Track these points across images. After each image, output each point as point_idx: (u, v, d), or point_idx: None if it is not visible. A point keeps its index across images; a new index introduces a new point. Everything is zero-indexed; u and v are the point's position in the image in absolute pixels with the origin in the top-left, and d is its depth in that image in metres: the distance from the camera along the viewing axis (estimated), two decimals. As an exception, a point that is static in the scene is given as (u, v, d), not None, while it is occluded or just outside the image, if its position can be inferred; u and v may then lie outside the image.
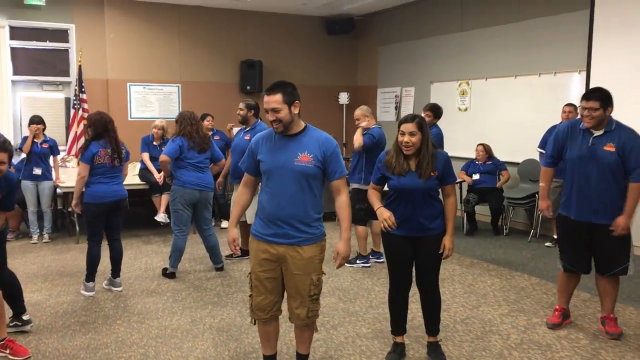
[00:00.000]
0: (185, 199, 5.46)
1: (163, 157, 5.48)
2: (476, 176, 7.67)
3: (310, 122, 10.66)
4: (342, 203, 3.13)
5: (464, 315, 4.61)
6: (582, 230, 4.05)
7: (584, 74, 7.05)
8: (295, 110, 3.05)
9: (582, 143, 4.01)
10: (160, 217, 7.14)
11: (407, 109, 10.03)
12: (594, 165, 3.94)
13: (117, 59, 9.37)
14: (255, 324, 3.32)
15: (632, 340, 4.12)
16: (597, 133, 3.98)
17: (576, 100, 6.80)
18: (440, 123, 6.77)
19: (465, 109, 8.84)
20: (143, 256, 6.46)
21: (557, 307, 4.40)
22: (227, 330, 4.29)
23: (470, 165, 7.88)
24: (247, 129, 6.03)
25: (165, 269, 5.68)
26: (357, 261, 6.07)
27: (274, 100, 2.99)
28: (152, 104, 9.59)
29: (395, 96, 10.32)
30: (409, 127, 3.41)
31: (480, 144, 7.86)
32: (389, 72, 10.54)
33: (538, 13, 7.69)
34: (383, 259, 5.93)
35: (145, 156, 7.38)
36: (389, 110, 10.44)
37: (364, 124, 5.93)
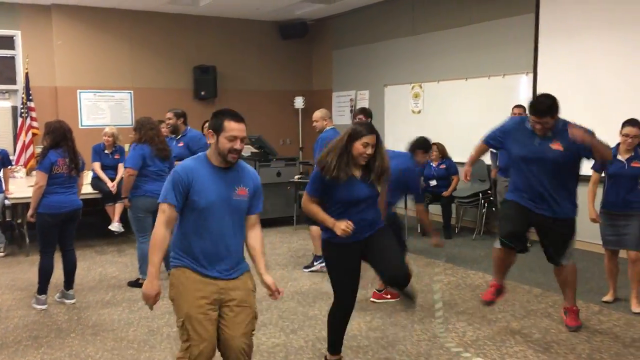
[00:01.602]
0: (147, 207, 5.37)
1: (129, 171, 5.33)
2: (433, 182, 7.82)
3: (267, 126, 10.79)
4: (259, 236, 3.02)
5: (421, 315, 4.67)
6: (529, 214, 4.12)
7: (531, 75, 7.27)
8: None
9: (530, 142, 4.10)
10: (115, 226, 7.00)
11: (362, 112, 10.11)
12: (542, 163, 4.03)
13: (66, 65, 9.15)
14: None
15: (582, 333, 4.26)
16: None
17: (524, 101, 7.00)
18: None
19: (419, 111, 8.99)
20: (97, 267, 6.32)
21: (493, 283, 4.37)
22: (185, 339, 4.24)
23: (425, 168, 8.00)
24: (179, 137, 6.07)
25: (137, 280, 5.55)
26: (315, 263, 6.09)
27: (243, 129, 2.81)
28: (103, 111, 9.39)
29: (350, 100, 10.41)
30: (371, 139, 3.27)
31: (434, 144, 7.99)
32: (343, 76, 10.63)
33: (486, 17, 7.88)
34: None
35: (97, 166, 7.23)
36: (344, 113, 10.52)
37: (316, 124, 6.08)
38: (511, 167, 4.33)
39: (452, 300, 5.05)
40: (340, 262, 3.41)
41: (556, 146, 4.02)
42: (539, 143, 4.07)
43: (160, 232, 2.77)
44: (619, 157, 4.60)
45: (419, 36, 8.94)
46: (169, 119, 6.08)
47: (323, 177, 3.28)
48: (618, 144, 4.63)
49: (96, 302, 5.10)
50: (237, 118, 2.82)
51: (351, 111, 10.34)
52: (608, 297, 4.92)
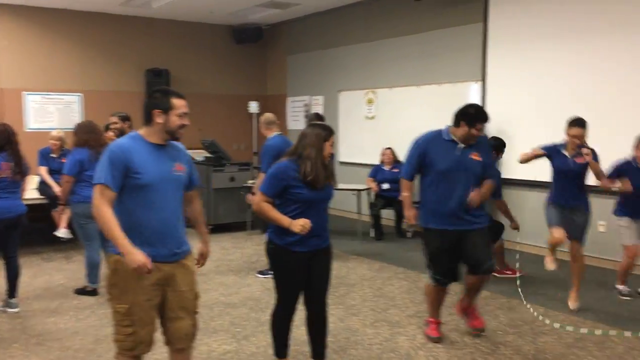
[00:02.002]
0: (87, 212, 5.20)
1: (65, 178, 5.18)
2: (386, 186, 7.90)
3: (221, 131, 10.72)
4: (200, 208, 3.19)
5: (373, 319, 4.72)
6: (452, 238, 4.04)
7: (480, 83, 7.45)
8: None
9: (450, 153, 4.02)
10: (61, 232, 6.80)
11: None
12: (463, 174, 4.00)
13: (11, 67, 8.88)
14: None
15: (527, 334, 4.38)
16: (462, 144, 4.04)
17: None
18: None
19: (372, 117, 9.09)
20: (43, 274, 6.13)
21: (433, 320, 4.32)
22: (134, 347, 4.15)
23: (378, 172, 8.09)
24: None
25: (84, 287, 5.39)
26: (269, 272, 6.05)
27: (186, 105, 2.91)
28: (51, 114, 9.14)
29: (305, 105, 10.44)
30: (333, 139, 3.38)
31: (388, 148, 8.10)
32: (297, 81, 10.65)
33: (437, 25, 8.04)
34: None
35: (43, 170, 7.02)
36: (298, 119, 10.54)
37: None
38: (427, 184, 4.11)
39: (404, 304, 5.11)
40: (290, 269, 3.38)
41: (475, 156, 4.02)
42: (461, 153, 4.02)
43: (107, 210, 2.71)
44: (566, 152, 4.78)
45: (373, 43, 9.05)
46: (114, 123, 5.97)
47: (286, 178, 3.28)
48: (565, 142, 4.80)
49: (42, 311, 4.94)
50: (181, 95, 2.91)
51: (306, 116, 10.37)
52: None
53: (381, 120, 8.96)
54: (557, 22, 6.65)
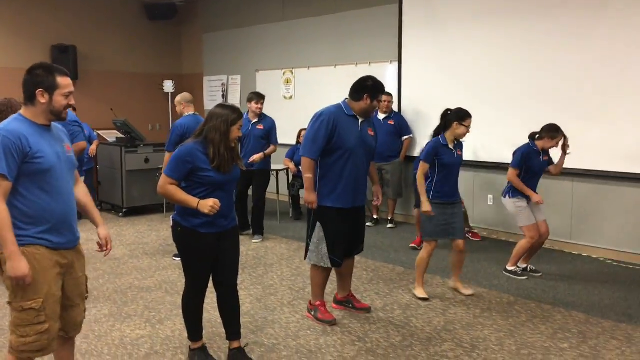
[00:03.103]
0: None
1: None
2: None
3: (135, 110, 10.35)
4: (86, 190, 2.99)
5: (290, 298, 4.75)
6: (350, 217, 4.09)
7: (395, 64, 7.58)
8: None
9: (353, 130, 4.01)
10: None
11: (234, 97, 10.02)
12: (364, 150, 4.05)
13: None
14: None
15: (438, 308, 4.55)
16: (361, 119, 4.06)
17: (391, 89, 7.30)
18: (265, 111, 6.89)
19: (290, 97, 9.06)
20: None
21: (320, 302, 4.26)
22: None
23: (295, 152, 8.09)
24: None
25: None
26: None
27: (71, 84, 2.74)
28: (-55, 92, 8.50)
29: (222, 84, 10.26)
30: (241, 122, 3.31)
31: (304, 129, 8.10)
32: (214, 60, 10.44)
33: (352, 6, 8.09)
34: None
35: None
36: (215, 98, 10.34)
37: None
38: (331, 162, 4.01)
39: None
40: (199, 251, 3.32)
41: (370, 132, 4.10)
42: (361, 129, 4.04)
43: (3, 208, 2.48)
44: (451, 145, 4.64)
45: (290, 22, 8.99)
46: None
47: (192, 160, 3.18)
48: (442, 128, 4.66)
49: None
50: (66, 72, 2.72)
51: (223, 96, 10.20)
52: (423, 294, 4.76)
53: (299, 100, 8.95)
54: (471, 3, 6.83)
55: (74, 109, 7.40)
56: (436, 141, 4.63)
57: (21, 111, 2.67)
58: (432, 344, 3.86)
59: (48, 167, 2.59)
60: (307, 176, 4.02)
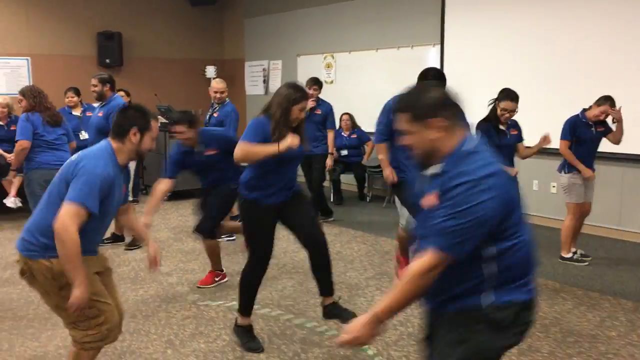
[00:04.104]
0: (43, 180, 5.08)
1: (23, 144, 5.06)
2: (344, 152, 7.93)
3: (177, 96, 10.46)
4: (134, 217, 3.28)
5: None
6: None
7: (438, 47, 7.46)
8: None
9: None
10: (11, 201, 6.60)
11: (275, 83, 10.03)
12: None
13: (-47, 29, 8.45)
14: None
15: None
16: None
17: (432, 72, 7.19)
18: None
19: (331, 82, 9.03)
20: (-6, 244, 5.96)
21: (403, 258, 4.49)
22: (90, 315, 4.11)
23: (336, 138, 8.07)
24: (102, 105, 5.63)
25: None
26: (222, 236, 6.06)
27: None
28: (-3, 78, 8.79)
29: (263, 69, 10.29)
30: (305, 104, 3.36)
31: (346, 114, 8.09)
32: (255, 45, 10.47)
33: (395, -12, 7.98)
34: (234, 237, 5.91)
35: (-8, 139, 6.76)
36: (257, 84, 10.40)
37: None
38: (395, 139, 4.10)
39: (362, 267, 5.18)
40: (261, 222, 3.44)
41: None
42: None
43: (76, 238, 2.50)
44: (501, 127, 4.66)
45: (331, 6, 8.93)
46: (94, 85, 5.69)
47: (262, 133, 3.28)
48: (493, 115, 4.66)
49: (-7, 281, 4.82)
50: (156, 118, 2.88)
51: (264, 81, 10.24)
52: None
53: (340, 84, 8.91)
54: (513, -14, 6.66)
55: (128, 95, 7.55)
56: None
57: (111, 142, 2.73)
58: (475, 329, 3.82)
59: (108, 210, 2.70)
60: (381, 157, 4.46)
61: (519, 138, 4.84)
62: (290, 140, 3.22)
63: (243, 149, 3.31)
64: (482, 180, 1.80)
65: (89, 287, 2.62)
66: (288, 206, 3.47)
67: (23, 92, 5.28)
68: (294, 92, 3.31)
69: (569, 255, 5.26)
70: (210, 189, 4.61)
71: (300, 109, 3.31)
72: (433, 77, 4.28)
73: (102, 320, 2.72)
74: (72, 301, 2.55)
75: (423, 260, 1.84)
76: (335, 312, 3.58)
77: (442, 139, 1.89)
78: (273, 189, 3.38)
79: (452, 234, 1.80)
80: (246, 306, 3.60)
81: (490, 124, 4.65)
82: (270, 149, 3.23)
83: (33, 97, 5.17)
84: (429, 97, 1.93)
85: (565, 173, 5.12)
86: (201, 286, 4.65)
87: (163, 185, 4.32)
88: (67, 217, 2.48)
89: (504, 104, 4.59)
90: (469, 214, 1.78)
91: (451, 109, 1.93)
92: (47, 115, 5.15)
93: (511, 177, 1.92)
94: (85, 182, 2.55)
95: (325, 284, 3.59)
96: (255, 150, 3.28)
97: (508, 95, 4.61)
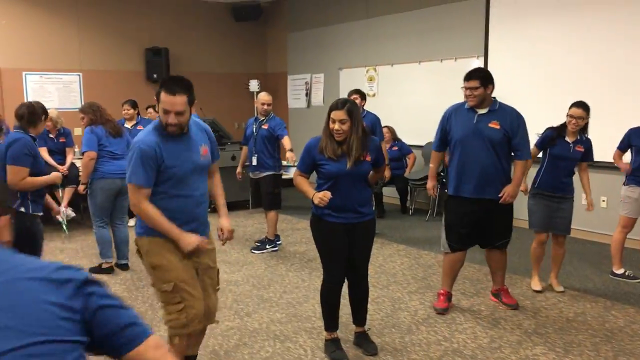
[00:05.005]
0: (106, 189, 5.33)
1: (90, 154, 5.28)
2: None
3: (221, 109, 10.61)
4: (218, 181, 3.23)
5: (374, 295, 4.74)
6: (474, 207, 4.14)
7: (482, 59, 7.39)
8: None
9: (467, 121, 4.12)
10: (62, 211, 6.79)
11: (317, 96, 10.12)
12: (480, 141, 4.06)
13: (10, 46, 8.81)
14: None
15: (528, 310, 4.40)
16: (481, 111, 4.12)
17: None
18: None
19: (374, 95, 9.03)
20: (45, 254, 6.15)
21: (443, 291, 4.41)
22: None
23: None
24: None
25: (99, 265, 5.47)
26: (267, 247, 6.12)
27: (174, 102, 2.73)
28: (51, 93, 9.10)
29: (306, 83, 10.38)
30: (339, 114, 3.29)
31: (385, 127, 8.07)
32: (298, 59, 10.58)
33: (437, 1, 7.95)
34: (277, 247, 6.16)
35: (43, 151, 7.01)
36: (299, 97, 10.49)
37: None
38: (452, 153, 4.23)
39: (405, 280, 5.14)
40: (326, 238, 3.49)
41: (494, 124, 4.07)
42: (478, 120, 4.10)
43: (149, 206, 2.80)
44: (567, 138, 4.62)
45: (373, 19, 8.96)
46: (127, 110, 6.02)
47: (311, 153, 3.41)
48: (564, 124, 4.64)
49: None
50: (170, 89, 2.73)
51: (306, 94, 10.32)
52: (538, 286, 4.81)
53: (383, 97, 8.90)
54: (559, -3, 6.56)
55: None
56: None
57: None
58: (523, 346, 3.74)
59: (180, 176, 2.84)
60: (430, 166, 4.50)
61: (585, 156, 4.67)
62: (320, 197, 3.27)
63: (295, 180, 3.57)
64: None
65: (168, 271, 2.82)
66: (352, 234, 3.46)
67: (83, 110, 5.52)
68: (334, 102, 3.38)
69: (620, 271, 5.11)
70: None
71: (333, 120, 3.31)
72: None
73: (181, 307, 2.84)
74: (185, 249, 2.87)
75: None
76: (359, 342, 3.75)
77: None
78: (334, 206, 3.36)
79: None
80: (325, 322, 3.68)
81: (554, 131, 4.63)
82: (308, 193, 3.40)
83: (93, 111, 5.40)
84: None
85: (623, 185, 5.08)
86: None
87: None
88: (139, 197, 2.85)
89: (571, 111, 4.61)
90: None
91: None
92: (108, 127, 5.36)
93: None
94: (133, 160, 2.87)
95: (359, 314, 3.75)
96: (300, 187, 3.51)
97: (576, 103, 4.63)
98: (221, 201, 3.21)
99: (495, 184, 4.11)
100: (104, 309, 1.24)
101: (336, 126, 3.30)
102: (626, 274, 5.10)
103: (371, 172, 3.51)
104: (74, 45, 9.35)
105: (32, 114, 4.03)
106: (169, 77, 2.93)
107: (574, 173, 4.70)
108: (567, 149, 4.61)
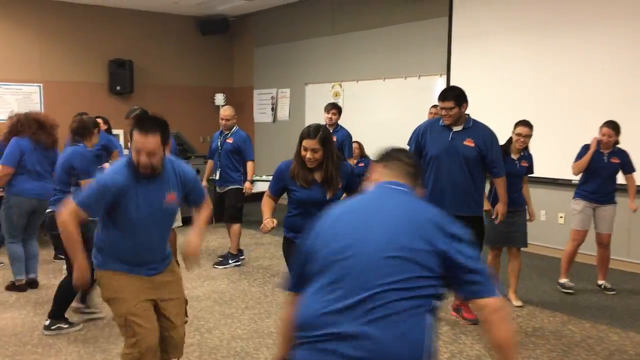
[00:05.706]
0: (24, 208, 5.05)
1: (6, 169, 4.94)
2: None
3: (186, 123, 10.51)
4: (206, 211, 3.14)
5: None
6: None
7: (445, 77, 7.52)
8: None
9: (442, 138, 4.22)
10: None
11: (283, 110, 10.13)
12: (455, 158, 4.16)
13: (-32, 55, 8.60)
14: None
15: (488, 324, 4.45)
16: (456, 128, 4.22)
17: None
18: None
19: (339, 110, 9.08)
20: None
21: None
22: (93, 342, 4.09)
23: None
24: None
25: (12, 283, 5.21)
26: (230, 261, 6.07)
27: (147, 142, 2.61)
28: (9, 104, 8.88)
29: (272, 97, 10.39)
30: (311, 143, 3.21)
31: (355, 142, 8.11)
32: (264, 74, 10.59)
33: (402, 19, 8.08)
34: (240, 262, 6.11)
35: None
36: (265, 111, 10.49)
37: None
38: (426, 169, 4.25)
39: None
40: (291, 257, 3.44)
41: (468, 142, 4.17)
42: (452, 137, 4.19)
43: (73, 224, 2.71)
44: (512, 155, 4.79)
45: (339, 36, 9.04)
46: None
47: (282, 177, 3.37)
48: (508, 142, 4.80)
49: (-2, 306, 4.82)
50: (143, 128, 2.62)
51: (272, 109, 10.33)
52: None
53: (348, 113, 8.91)
54: (519, 18, 6.74)
55: (106, 122, 6.52)
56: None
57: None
58: (482, 361, 3.78)
59: (134, 221, 2.75)
60: None
61: (528, 171, 4.88)
62: (264, 224, 3.28)
63: (263, 200, 3.49)
64: None
65: (120, 305, 2.77)
66: None
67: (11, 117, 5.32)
68: (306, 129, 3.30)
69: (563, 281, 5.31)
70: None
71: (305, 147, 3.24)
72: None
73: (134, 341, 2.77)
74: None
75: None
76: None
77: None
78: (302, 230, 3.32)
79: None
80: None
81: (501, 149, 4.68)
82: (266, 216, 3.37)
83: (24, 122, 5.08)
84: None
85: (572, 199, 5.31)
86: None
87: None
88: None
89: (518, 129, 4.77)
90: None
91: None
92: (34, 141, 5.03)
93: None
94: None
95: None
96: (262, 208, 3.44)
97: (522, 121, 4.80)
98: (200, 220, 3.11)
99: (468, 201, 4.18)
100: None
101: (308, 154, 3.24)
102: (564, 283, 5.29)
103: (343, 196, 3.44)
104: (35, 56, 9.17)
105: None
106: (142, 115, 2.88)
107: (521, 187, 4.85)
108: (514, 165, 4.76)
